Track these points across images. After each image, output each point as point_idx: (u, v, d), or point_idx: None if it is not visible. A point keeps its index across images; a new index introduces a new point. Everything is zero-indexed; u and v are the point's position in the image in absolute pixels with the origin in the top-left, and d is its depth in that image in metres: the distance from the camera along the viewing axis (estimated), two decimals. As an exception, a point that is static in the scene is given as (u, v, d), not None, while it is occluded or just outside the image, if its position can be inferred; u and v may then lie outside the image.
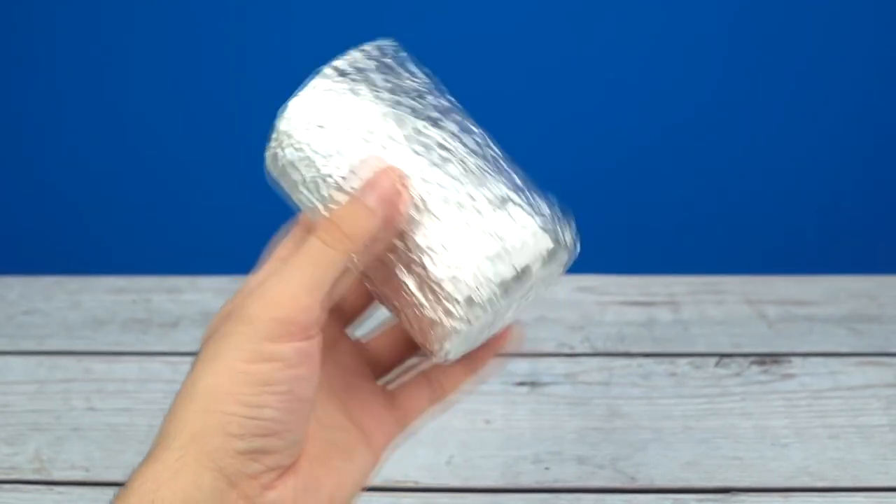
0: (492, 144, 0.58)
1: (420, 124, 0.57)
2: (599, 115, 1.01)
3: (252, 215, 1.06)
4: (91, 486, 0.79)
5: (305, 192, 0.58)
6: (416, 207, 0.55)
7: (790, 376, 0.88)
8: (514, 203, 0.55)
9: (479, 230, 0.54)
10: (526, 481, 0.78)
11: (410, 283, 0.55)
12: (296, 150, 0.58)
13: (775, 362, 0.90)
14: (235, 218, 1.06)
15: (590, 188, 1.04)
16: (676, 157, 1.02)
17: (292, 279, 0.52)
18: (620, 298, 0.99)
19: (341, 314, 0.61)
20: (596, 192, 1.03)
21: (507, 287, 0.54)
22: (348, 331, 0.60)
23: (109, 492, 0.76)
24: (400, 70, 0.59)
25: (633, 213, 1.04)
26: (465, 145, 0.57)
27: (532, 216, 0.55)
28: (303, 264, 0.53)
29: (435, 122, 0.57)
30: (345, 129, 0.57)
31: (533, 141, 1.02)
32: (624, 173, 1.03)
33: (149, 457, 0.52)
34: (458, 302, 0.54)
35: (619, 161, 1.02)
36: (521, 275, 0.55)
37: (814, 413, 0.84)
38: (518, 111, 1.01)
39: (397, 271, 0.55)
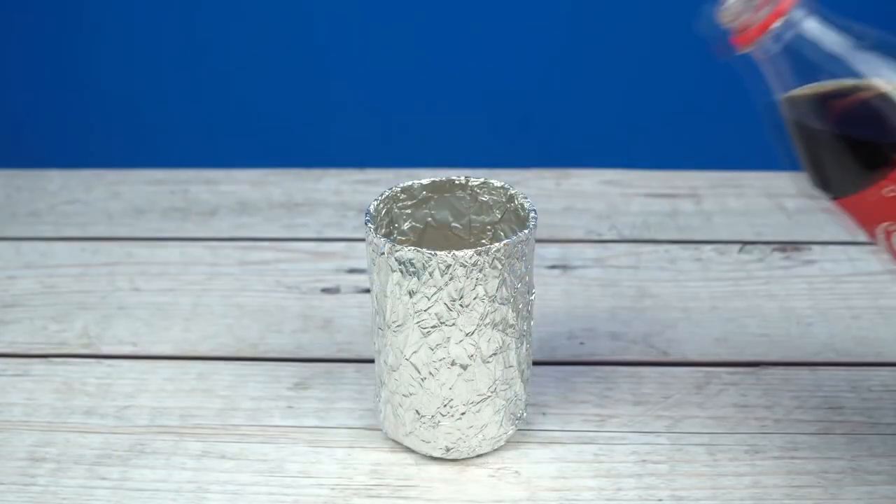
0: None
1: None
2: (615, 8, 1.02)
3: (285, 111, 1.08)
4: (139, 360, 0.82)
5: None
6: None
7: (811, 262, 0.91)
8: None
9: None
10: (562, 355, 0.81)
11: None
12: None
13: (796, 249, 0.93)
14: (270, 113, 1.08)
15: (614, 89, 1.06)
16: (698, 59, 1.04)
17: None
18: (644, 191, 1.02)
19: None
20: (619, 92, 1.06)
21: None
22: None
23: (157, 364, 0.80)
24: None
25: (656, 110, 1.06)
26: None
27: None
28: None
29: None
30: None
31: (553, 35, 1.03)
32: (647, 74, 1.05)
33: None
34: None
35: (643, 62, 1.04)
36: None
37: (835, 296, 0.87)
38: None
39: None
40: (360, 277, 0.91)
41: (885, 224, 0.61)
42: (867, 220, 0.61)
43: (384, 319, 0.67)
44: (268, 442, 0.72)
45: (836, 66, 0.60)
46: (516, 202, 0.70)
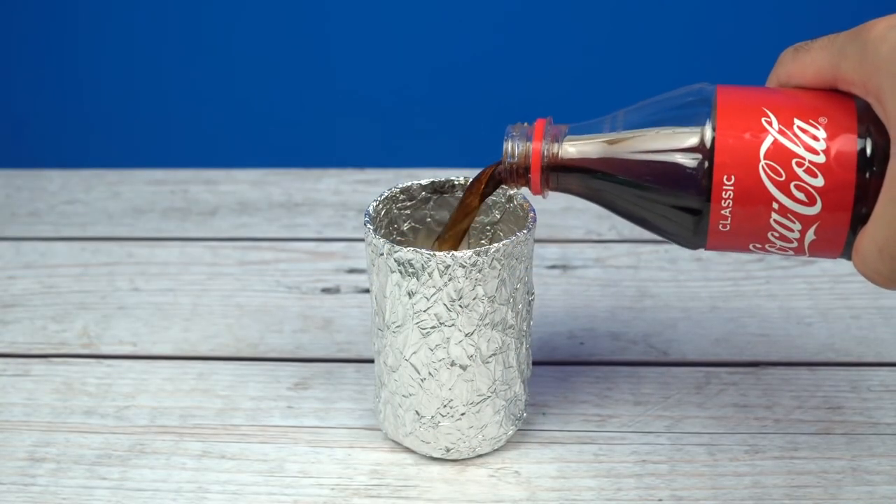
0: None
1: None
2: (618, 7, 1.02)
3: (285, 111, 1.08)
4: (139, 360, 0.82)
5: None
6: None
7: (811, 262, 0.91)
8: None
9: None
10: (562, 355, 0.81)
11: None
12: None
13: (797, 250, 0.93)
14: (269, 113, 1.08)
15: (615, 89, 1.06)
16: (697, 61, 1.04)
17: None
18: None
19: None
20: (621, 93, 1.06)
21: None
22: None
23: (157, 364, 0.80)
24: None
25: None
26: None
27: None
28: None
29: None
30: None
31: (553, 36, 1.02)
32: (647, 75, 1.05)
33: None
34: None
35: (643, 62, 1.04)
36: None
37: (836, 296, 0.87)
38: None
39: None
40: (360, 277, 0.91)
41: (751, 244, 0.60)
42: (741, 245, 0.61)
43: (384, 320, 0.67)
44: (268, 442, 0.73)
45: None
46: (516, 202, 0.70)
